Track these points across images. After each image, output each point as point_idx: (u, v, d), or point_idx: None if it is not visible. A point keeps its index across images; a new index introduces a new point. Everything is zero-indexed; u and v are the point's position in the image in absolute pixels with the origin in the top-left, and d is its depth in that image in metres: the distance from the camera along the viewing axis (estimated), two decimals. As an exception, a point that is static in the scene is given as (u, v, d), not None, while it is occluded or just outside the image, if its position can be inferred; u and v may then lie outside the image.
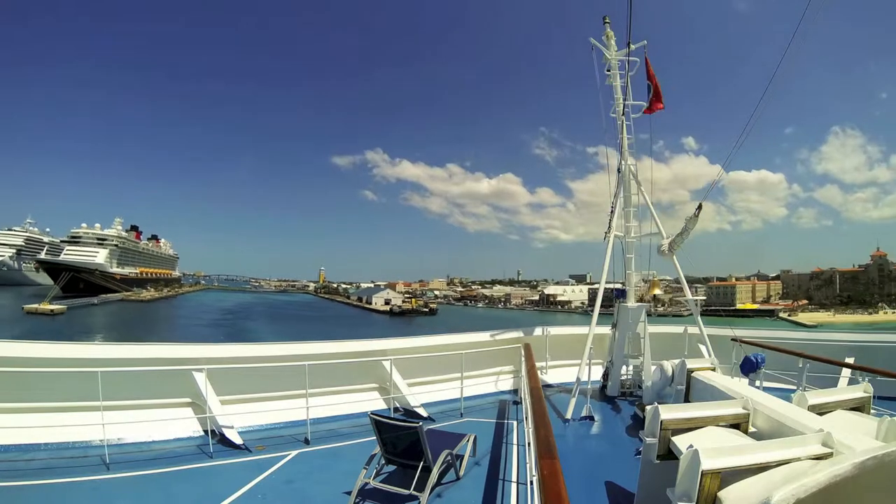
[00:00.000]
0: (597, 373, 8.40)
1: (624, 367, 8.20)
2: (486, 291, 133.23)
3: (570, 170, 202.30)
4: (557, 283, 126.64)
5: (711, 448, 2.51)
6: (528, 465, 4.28)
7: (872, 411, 3.80)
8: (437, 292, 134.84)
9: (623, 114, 8.07)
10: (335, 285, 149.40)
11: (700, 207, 6.81)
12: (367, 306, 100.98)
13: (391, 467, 4.84)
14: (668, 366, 5.93)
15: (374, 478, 4.58)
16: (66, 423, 5.55)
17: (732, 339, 7.65)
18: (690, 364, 4.89)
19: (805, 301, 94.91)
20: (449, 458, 4.75)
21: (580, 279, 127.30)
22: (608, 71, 8.34)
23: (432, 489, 4.34)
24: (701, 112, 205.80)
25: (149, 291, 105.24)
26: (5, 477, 4.65)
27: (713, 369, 4.91)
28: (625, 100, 8.00)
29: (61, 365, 5.83)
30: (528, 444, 3.86)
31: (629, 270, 8.21)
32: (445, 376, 8.10)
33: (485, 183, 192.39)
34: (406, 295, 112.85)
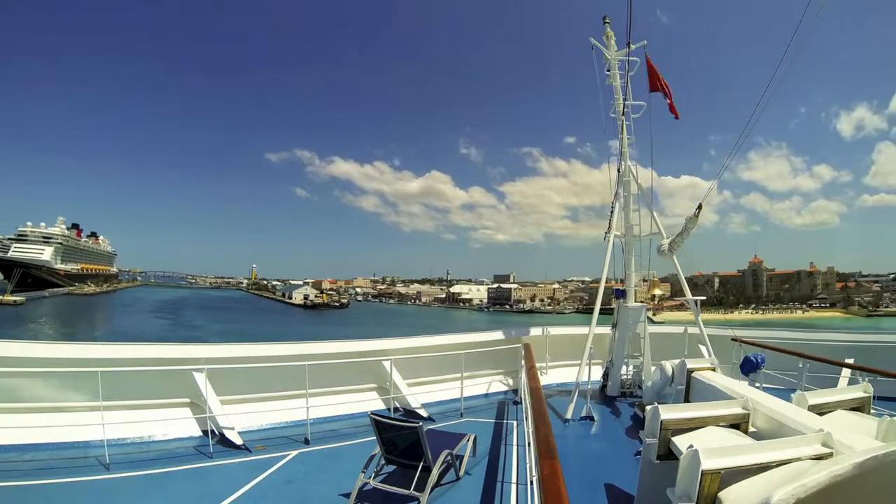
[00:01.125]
0: (597, 373, 8.39)
1: (624, 367, 8.20)
2: (402, 289, 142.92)
3: (499, 170, 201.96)
4: (475, 283, 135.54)
5: (711, 448, 2.51)
6: (528, 466, 4.29)
7: (872, 411, 3.81)
8: (358, 289, 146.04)
9: (623, 114, 8.07)
10: (265, 282, 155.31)
11: (700, 207, 6.81)
12: (288, 301, 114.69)
13: (391, 467, 4.84)
14: (668, 366, 5.93)
15: (373, 478, 4.58)
16: (66, 423, 5.54)
17: (732, 339, 7.65)
18: (690, 364, 4.89)
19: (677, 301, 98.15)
20: (449, 458, 4.75)
21: (503, 279, 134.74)
22: (608, 71, 8.34)
23: (432, 489, 4.33)
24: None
25: (90, 286, 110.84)
26: (5, 477, 4.65)
27: (713, 369, 4.91)
28: (625, 100, 8.00)
29: (61, 365, 5.83)
30: (528, 444, 3.86)
31: (629, 270, 8.21)
32: (445, 376, 8.10)
33: (415, 182, 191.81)
34: (330, 291, 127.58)
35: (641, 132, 8.28)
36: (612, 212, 8.18)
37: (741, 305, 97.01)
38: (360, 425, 6.43)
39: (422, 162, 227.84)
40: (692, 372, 4.81)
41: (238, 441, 5.78)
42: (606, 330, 8.48)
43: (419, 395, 7.61)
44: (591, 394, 7.20)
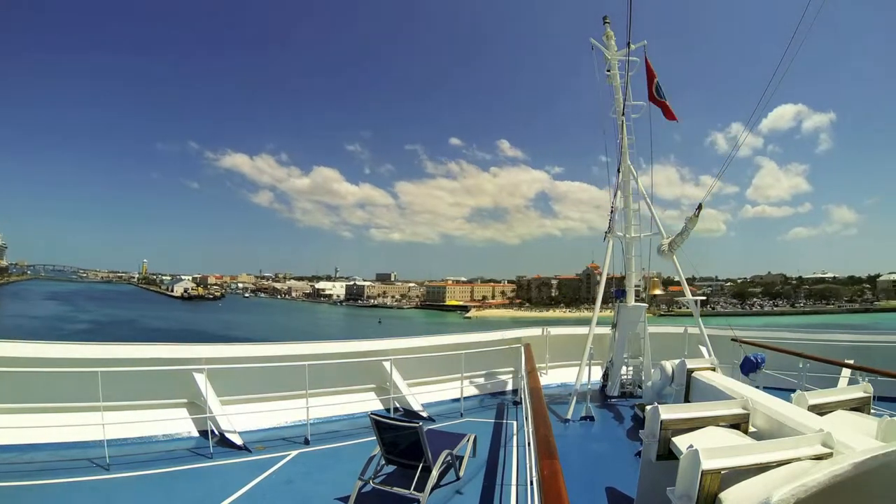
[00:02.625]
0: (597, 373, 8.39)
1: (624, 368, 8.20)
2: (278, 285, 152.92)
3: (386, 167, 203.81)
4: (350, 280, 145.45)
5: (711, 448, 2.51)
6: (528, 466, 4.28)
7: (872, 411, 3.80)
8: (241, 284, 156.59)
9: (623, 114, 8.06)
10: (155, 276, 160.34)
11: (700, 208, 6.82)
12: (170, 294, 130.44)
13: (391, 467, 4.83)
14: (668, 366, 5.93)
15: (373, 478, 4.58)
16: (66, 423, 5.54)
17: (732, 340, 7.65)
18: (690, 364, 4.89)
19: (519, 300, 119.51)
20: (449, 458, 4.74)
21: (385, 277, 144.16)
22: (608, 71, 8.33)
23: (432, 489, 4.33)
24: (511, 115, 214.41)
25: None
26: (5, 477, 4.65)
27: (713, 369, 4.91)
28: (625, 100, 8.00)
29: (61, 365, 5.83)
30: (529, 444, 3.86)
31: (629, 270, 8.21)
32: (445, 376, 8.09)
33: (306, 178, 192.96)
34: (214, 285, 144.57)
35: (637, 133, 8.29)
36: (611, 212, 8.17)
37: (569, 304, 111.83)
38: (360, 425, 6.43)
39: (309, 157, 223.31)
40: (692, 372, 4.80)
41: (238, 441, 5.78)
42: (606, 330, 8.48)
43: (419, 396, 7.61)
44: (591, 394, 7.20)
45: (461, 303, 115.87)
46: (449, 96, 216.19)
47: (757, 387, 5.21)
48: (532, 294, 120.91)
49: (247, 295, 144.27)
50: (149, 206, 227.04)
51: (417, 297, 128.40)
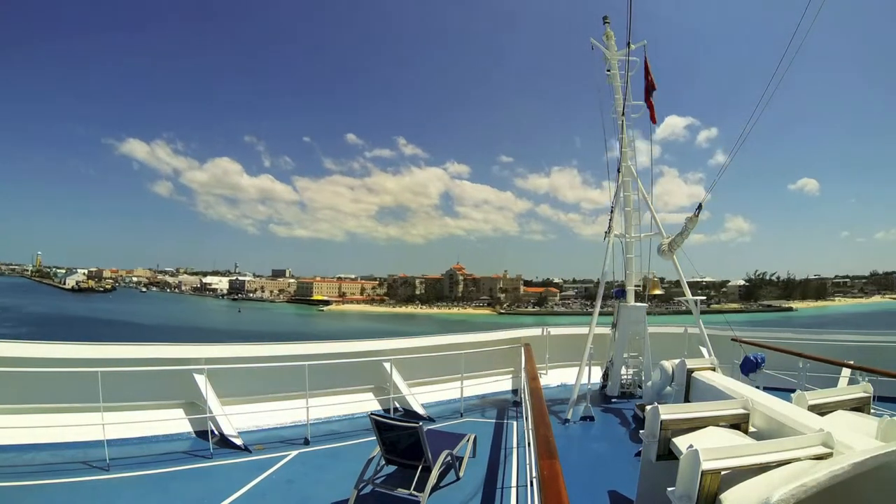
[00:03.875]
0: (597, 373, 8.40)
1: (624, 367, 8.20)
2: (169, 279, 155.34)
3: (283, 158, 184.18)
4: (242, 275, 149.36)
5: (711, 448, 2.51)
6: (528, 466, 4.28)
7: (872, 411, 3.80)
8: (136, 278, 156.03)
9: (623, 114, 8.06)
10: (49, 269, 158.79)
11: (700, 208, 6.82)
12: (62, 286, 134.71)
13: (391, 468, 4.83)
14: (668, 366, 5.92)
15: (373, 478, 4.58)
16: (66, 423, 5.54)
17: (733, 339, 7.65)
18: (690, 364, 4.89)
19: (379, 297, 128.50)
20: (449, 458, 4.74)
21: (280, 273, 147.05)
22: (608, 71, 8.33)
23: (432, 490, 4.33)
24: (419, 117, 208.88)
25: None
26: (5, 477, 4.65)
27: (713, 369, 4.91)
28: (625, 100, 7.99)
29: (61, 365, 5.83)
30: (529, 444, 3.86)
31: (629, 270, 8.21)
32: (445, 376, 8.09)
33: (205, 171, 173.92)
34: (109, 279, 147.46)
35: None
36: (611, 212, 8.17)
37: (425, 302, 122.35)
38: (360, 426, 6.43)
39: (208, 148, 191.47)
40: (692, 372, 4.80)
41: (238, 441, 5.78)
42: (606, 330, 8.48)
43: (419, 396, 7.61)
44: (591, 394, 7.20)
45: (325, 298, 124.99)
46: (346, 94, 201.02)
47: (757, 387, 5.22)
48: (398, 291, 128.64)
49: (142, 289, 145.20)
50: (43, 196, 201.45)
51: (292, 292, 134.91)
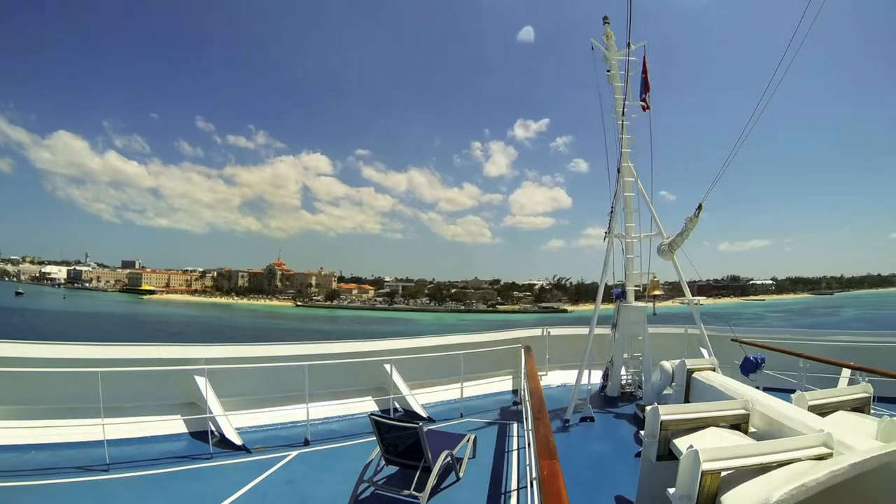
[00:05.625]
0: (597, 373, 8.39)
1: (624, 368, 8.19)
2: (10, 268, 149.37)
3: (133, 136, 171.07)
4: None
5: (711, 448, 2.51)
6: (528, 466, 4.28)
7: (872, 412, 3.80)
8: None
9: (623, 114, 8.06)
10: None
11: (700, 208, 6.81)
12: None
13: (391, 468, 4.84)
14: (668, 366, 5.93)
15: (373, 479, 4.58)
16: (66, 423, 5.55)
17: (733, 340, 7.64)
18: (690, 364, 4.89)
19: (202, 288, 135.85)
20: (449, 458, 4.74)
21: (130, 264, 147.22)
22: (608, 71, 8.33)
23: (432, 490, 4.33)
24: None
25: None
26: (5, 477, 4.65)
27: (713, 369, 4.91)
28: (625, 100, 7.99)
29: (61, 365, 5.83)
30: (529, 444, 3.86)
31: (629, 271, 8.20)
32: (445, 377, 8.09)
33: (47, 148, 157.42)
34: None
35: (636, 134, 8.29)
36: (611, 212, 8.16)
37: (242, 294, 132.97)
38: (360, 426, 6.43)
39: (52, 120, 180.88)
40: (692, 372, 4.80)
41: (238, 441, 5.78)
42: (606, 330, 8.48)
43: (419, 396, 7.61)
44: (591, 395, 7.19)
45: (151, 287, 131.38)
46: (202, 73, 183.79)
47: (757, 387, 5.22)
48: (224, 284, 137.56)
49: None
50: None
51: (126, 282, 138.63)
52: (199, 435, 6.00)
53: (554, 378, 9.05)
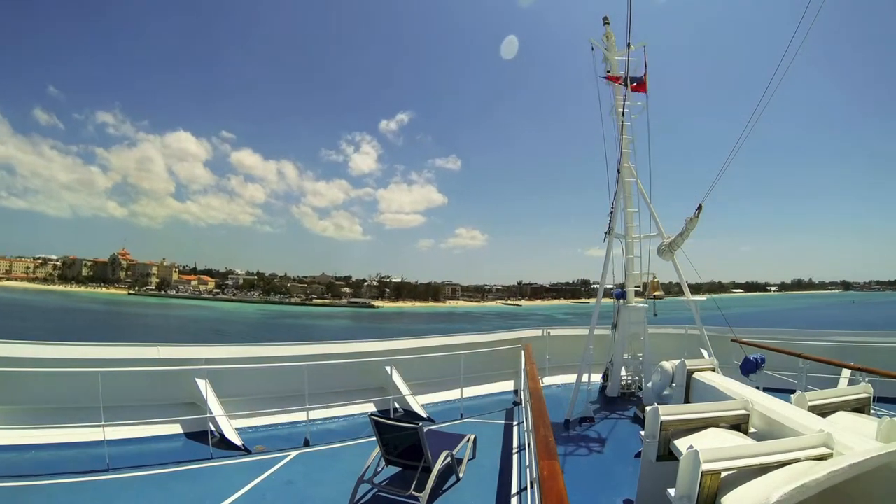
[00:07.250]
0: (597, 373, 8.39)
1: (624, 368, 8.19)
2: None
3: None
4: None
5: (711, 449, 2.51)
6: (528, 467, 4.28)
7: (872, 412, 3.80)
8: None
9: (623, 115, 8.06)
10: None
11: (700, 208, 6.80)
12: None
13: (391, 468, 4.84)
14: (669, 366, 5.92)
15: (373, 479, 4.58)
16: (67, 423, 5.55)
17: (732, 340, 7.64)
18: (690, 364, 4.89)
19: (45, 275, 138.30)
20: (449, 459, 4.74)
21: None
22: (608, 71, 8.33)
23: (432, 491, 4.33)
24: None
25: None
26: (5, 477, 4.65)
27: (713, 370, 4.91)
28: (625, 100, 7.99)
29: (61, 365, 5.84)
30: (529, 445, 3.86)
31: (629, 271, 8.20)
32: (445, 377, 8.10)
33: None
34: None
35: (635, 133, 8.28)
36: (611, 212, 8.15)
37: (83, 282, 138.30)
38: (360, 426, 6.43)
39: None
40: (692, 372, 4.80)
41: (238, 442, 5.78)
42: (606, 331, 8.48)
43: (419, 396, 7.61)
44: (592, 394, 7.19)
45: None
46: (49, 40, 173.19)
47: (757, 387, 5.21)
48: (68, 272, 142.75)
49: None
50: None
51: None
52: (199, 435, 6.00)
53: (554, 378, 9.05)
